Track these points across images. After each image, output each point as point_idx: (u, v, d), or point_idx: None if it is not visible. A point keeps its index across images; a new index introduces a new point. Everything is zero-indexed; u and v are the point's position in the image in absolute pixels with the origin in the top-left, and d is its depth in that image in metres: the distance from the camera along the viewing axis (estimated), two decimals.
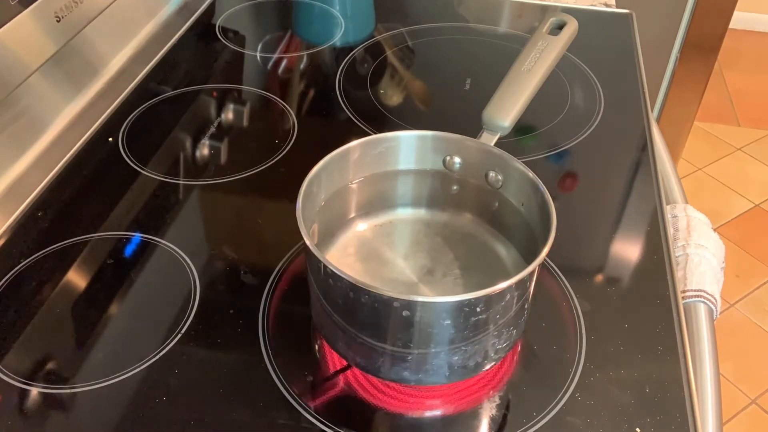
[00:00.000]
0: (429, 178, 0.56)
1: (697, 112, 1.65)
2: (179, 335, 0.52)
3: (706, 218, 0.67)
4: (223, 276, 0.57)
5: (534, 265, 0.43)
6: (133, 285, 0.56)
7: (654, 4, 1.46)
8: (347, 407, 0.49)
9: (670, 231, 0.63)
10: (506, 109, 0.55)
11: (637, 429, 0.47)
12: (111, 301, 0.55)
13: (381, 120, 0.75)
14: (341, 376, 0.50)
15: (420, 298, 0.44)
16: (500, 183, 0.53)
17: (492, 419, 0.49)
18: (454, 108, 0.78)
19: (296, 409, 0.48)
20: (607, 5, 0.96)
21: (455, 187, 0.56)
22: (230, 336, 0.52)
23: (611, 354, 0.52)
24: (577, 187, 0.68)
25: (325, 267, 0.43)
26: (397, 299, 0.42)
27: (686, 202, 0.71)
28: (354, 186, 0.54)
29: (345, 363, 0.51)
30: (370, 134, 0.53)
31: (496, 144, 0.54)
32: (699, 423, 0.48)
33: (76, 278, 0.57)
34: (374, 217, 0.56)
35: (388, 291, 0.42)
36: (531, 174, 0.50)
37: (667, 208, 0.66)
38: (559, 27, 0.60)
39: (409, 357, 0.46)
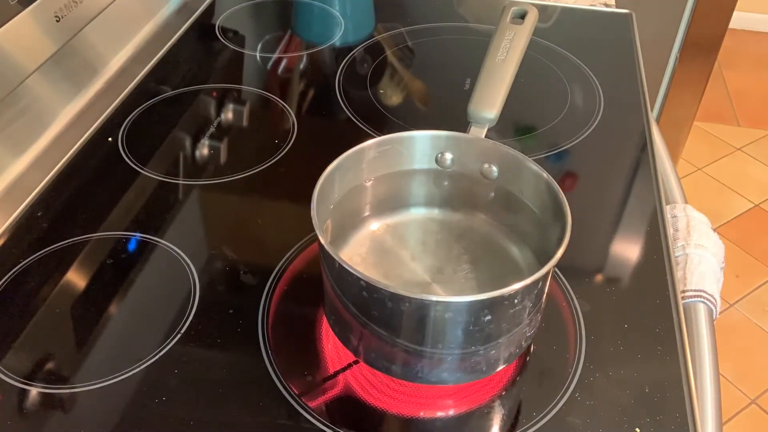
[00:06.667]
0: (442, 178, 0.56)
1: (696, 112, 1.65)
2: (179, 335, 0.52)
3: (705, 218, 0.67)
4: (222, 276, 0.57)
5: (554, 260, 0.44)
6: (132, 285, 0.56)
7: (654, 4, 1.46)
8: (347, 407, 0.49)
9: (670, 231, 0.63)
10: (490, 101, 0.56)
11: (637, 429, 0.47)
12: (111, 301, 0.55)
13: (381, 120, 0.75)
14: (341, 376, 0.50)
15: (454, 299, 0.45)
16: (515, 185, 0.54)
17: (492, 419, 0.49)
18: (454, 108, 0.78)
19: (296, 409, 0.48)
20: (607, 5, 0.96)
21: (467, 187, 0.56)
22: (230, 336, 0.52)
23: (611, 354, 0.52)
24: (577, 187, 0.68)
25: (341, 266, 0.43)
26: (420, 299, 0.42)
27: (686, 202, 0.71)
28: (368, 185, 0.55)
29: (345, 363, 0.51)
30: (369, 134, 0.53)
31: (494, 138, 0.54)
32: (699, 423, 0.48)
33: (76, 278, 0.57)
34: (387, 216, 0.56)
35: (405, 291, 0.42)
36: (545, 174, 0.50)
37: (667, 208, 0.66)
38: (521, 16, 0.61)
39: (436, 356, 0.46)
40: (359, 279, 0.43)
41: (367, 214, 0.56)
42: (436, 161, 0.55)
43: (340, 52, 0.86)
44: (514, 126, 0.74)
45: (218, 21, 0.91)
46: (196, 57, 0.85)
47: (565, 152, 0.71)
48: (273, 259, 0.58)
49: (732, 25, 1.54)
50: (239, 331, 0.53)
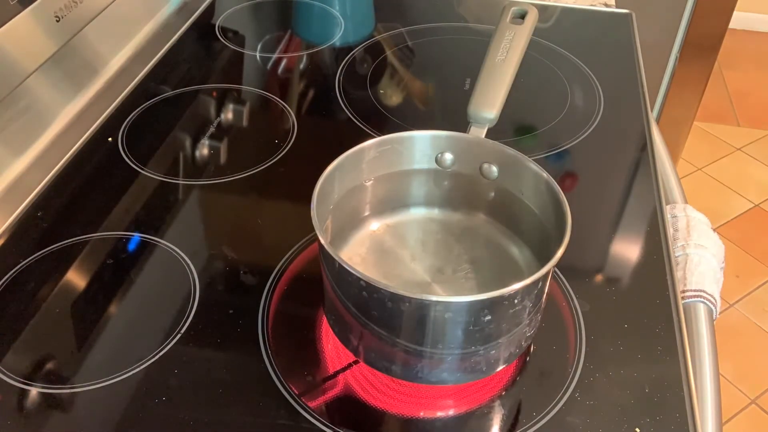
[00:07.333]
0: (442, 178, 0.56)
1: (696, 112, 1.65)
2: (179, 335, 0.52)
3: (705, 218, 0.67)
4: (222, 276, 0.57)
5: (554, 260, 0.44)
6: (132, 285, 0.56)
7: (654, 4, 1.46)
8: (347, 407, 0.49)
9: (670, 231, 0.63)
10: (490, 101, 0.56)
11: (637, 429, 0.47)
12: (111, 301, 0.55)
13: (381, 120, 0.75)
14: (341, 376, 0.50)
15: (454, 299, 0.45)
16: (515, 185, 0.54)
17: (492, 419, 0.49)
18: (454, 108, 0.78)
19: (296, 409, 0.48)
20: (607, 5, 0.96)
21: (467, 187, 0.56)
22: (230, 336, 0.52)
23: (611, 354, 0.52)
24: (577, 187, 0.68)
25: (341, 266, 0.43)
26: (420, 299, 0.42)
27: (686, 202, 0.71)
28: (368, 185, 0.55)
29: (345, 363, 0.51)
30: (370, 134, 0.53)
31: (494, 138, 0.54)
32: (699, 423, 0.48)
33: (76, 278, 0.57)
34: (387, 216, 0.56)
35: (405, 291, 0.42)
36: (545, 174, 0.50)
37: (667, 208, 0.66)
38: (521, 16, 0.61)
39: (436, 356, 0.46)
40: (359, 279, 0.43)
41: (367, 214, 0.56)
42: (436, 161, 0.55)
43: (340, 52, 0.86)
44: (514, 126, 0.74)
45: (218, 21, 0.91)
46: (196, 57, 0.85)
47: (565, 152, 0.71)
48: (273, 259, 0.58)
49: (732, 25, 1.54)
50: (239, 331, 0.53)
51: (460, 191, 0.56)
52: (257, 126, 0.75)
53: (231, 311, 0.54)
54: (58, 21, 0.69)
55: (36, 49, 0.67)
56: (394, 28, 0.90)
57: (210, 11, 0.93)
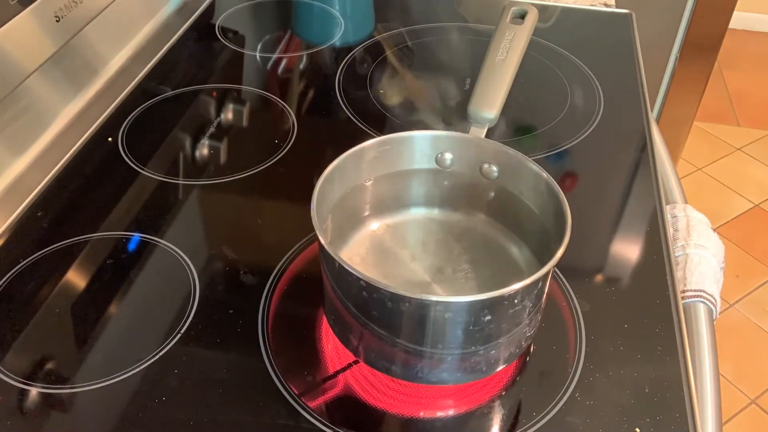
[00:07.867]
0: (442, 178, 0.56)
1: (696, 112, 1.65)
2: (179, 335, 0.52)
3: (705, 218, 0.67)
4: (222, 276, 0.57)
5: (554, 260, 0.44)
6: (132, 285, 0.56)
7: (654, 4, 1.46)
8: (347, 407, 0.49)
9: (670, 231, 0.63)
10: (490, 101, 0.56)
11: (637, 429, 0.47)
12: (111, 301, 0.55)
13: (381, 120, 0.75)
14: (341, 376, 0.50)
15: (454, 299, 0.45)
16: (515, 185, 0.54)
17: (492, 419, 0.49)
18: (454, 108, 0.78)
19: (296, 409, 0.48)
20: (607, 5, 0.96)
21: (467, 187, 0.56)
22: (230, 336, 0.52)
23: (611, 354, 0.52)
24: (577, 187, 0.68)
25: (341, 266, 0.43)
26: (420, 299, 0.42)
27: (686, 202, 0.71)
28: (368, 185, 0.55)
29: (345, 363, 0.51)
30: (369, 134, 0.53)
31: (494, 138, 0.54)
32: (699, 423, 0.48)
33: (76, 278, 0.57)
34: (387, 216, 0.56)
35: (405, 291, 0.42)
36: (545, 174, 0.50)
37: (667, 208, 0.66)
38: (521, 16, 0.61)
39: (436, 356, 0.46)
40: (359, 279, 0.43)
41: (367, 214, 0.56)
42: (436, 161, 0.55)
43: (340, 52, 0.86)
44: (514, 126, 0.74)
45: (218, 21, 0.91)
46: (196, 57, 0.85)
47: (565, 152, 0.71)
48: (273, 259, 0.58)
49: (732, 25, 1.54)
50: (239, 331, 0.53)
51: (460, 191, 0.56)
52: (257, 126, 0.75)
53: (231, 311, 0.54)
54: (58, 21, 0.69)
55: (36, 49, 0.67)
56: (394, 28, 0.90)
57: (210, 11, 0.93)
